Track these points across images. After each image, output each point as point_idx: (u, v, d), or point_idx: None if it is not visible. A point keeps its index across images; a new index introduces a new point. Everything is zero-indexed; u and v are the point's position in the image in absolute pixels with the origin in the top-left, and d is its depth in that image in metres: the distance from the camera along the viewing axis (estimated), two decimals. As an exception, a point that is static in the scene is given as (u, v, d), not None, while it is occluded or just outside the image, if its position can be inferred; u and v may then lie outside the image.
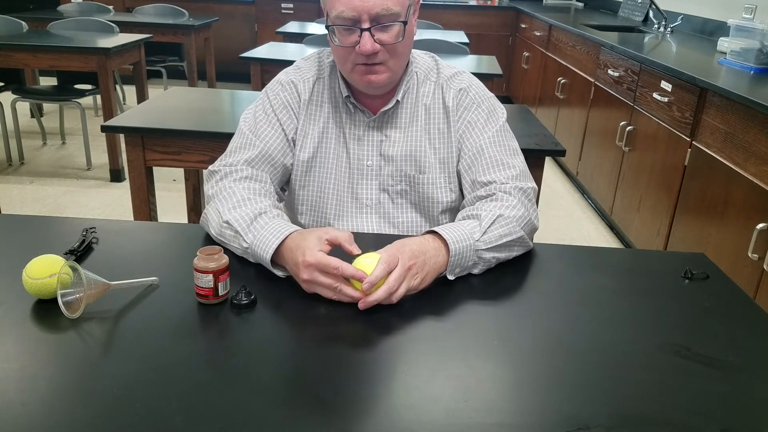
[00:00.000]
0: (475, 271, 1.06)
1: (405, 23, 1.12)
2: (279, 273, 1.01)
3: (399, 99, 1.23)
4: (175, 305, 0.92)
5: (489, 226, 1.06)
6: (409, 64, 1.25)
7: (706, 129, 2.31)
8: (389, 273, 0.93)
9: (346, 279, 0.94)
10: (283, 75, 1.27)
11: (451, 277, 1.03)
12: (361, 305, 0.92)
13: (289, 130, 1.24)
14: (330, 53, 1.26)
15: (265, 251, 1.00)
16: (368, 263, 0.93)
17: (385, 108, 1.23)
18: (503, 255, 1.08)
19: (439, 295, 1.00)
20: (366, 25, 1.09)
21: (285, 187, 1.33)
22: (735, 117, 2.12)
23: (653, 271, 1.11)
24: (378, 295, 0.92)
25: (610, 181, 3.19)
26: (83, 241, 1.09)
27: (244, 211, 1.07)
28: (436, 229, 1.03)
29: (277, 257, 1.01)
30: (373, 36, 1.09)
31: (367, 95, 1.23)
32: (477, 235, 1.04)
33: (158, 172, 2.28)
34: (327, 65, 1.27)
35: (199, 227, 1.17)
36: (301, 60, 1.29)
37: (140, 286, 0.97)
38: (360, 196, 1.27)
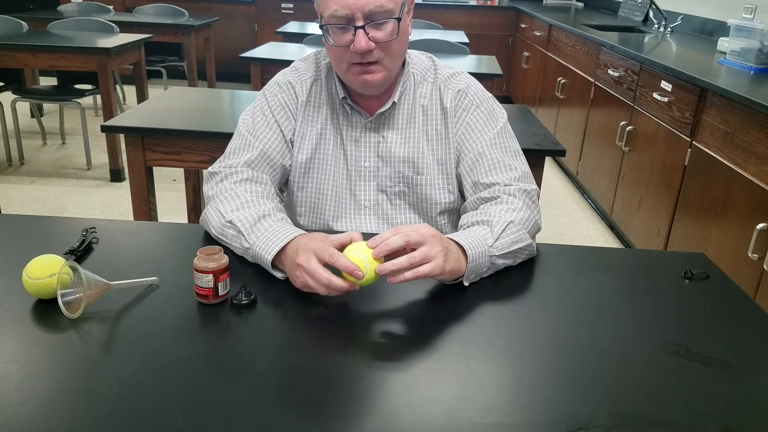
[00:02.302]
0: (484, 275, 1.06)
1: (399, 20, 1.12)
2: (278, 275, 1.01)
3: (395, 101, 1.22)
4: (175, 305, 0.92)
5: (501, 233, 1.05)
6: (406, 64, 1.25)
7: (706, 129, 2.31)
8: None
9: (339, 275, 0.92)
10: (280, 76, 1.27)
11: (466, 283, 1.01)
12: (379, 269, 0.90)
13: (287, 132, 1.24)
14: (327, 55, 1.26)
15: (267, 252, 1.00)
16: (359, 256, 0.92)
17: (382, 110, 1.22)
18: (510, 261, 1.08)
19: (439, 295, 1.00)
20: (360, 23, 1.08)
21: (284, 188, 1.33)
22: (735, 117, 2.12)
23: (653, 271, 1.11)
24: (400, 261, 0.90)
25: (610, 181, 3.19)
26: (83, 241, 1.09)
27: (248, 212, 1.07)
28: (450, 236, 1.02)
29: (277, 260, 1.01)
30: (367, 34, 1.09)
31: (363, 96, 1.23)
32: (490, 241, 1.03)
33: (158, 172, 2.28)
34: (324, 66, 1.27)
35: (199, 227, 1.18)
36: (299, 61, 1.29)
37: (140, 286, 0.97)
38: (358, 197, 1.26)
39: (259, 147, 1.21)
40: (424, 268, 0.92)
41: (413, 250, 0.93)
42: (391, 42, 1.12)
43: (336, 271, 0.92)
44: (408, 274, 0.91)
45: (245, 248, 1.04)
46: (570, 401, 0.76)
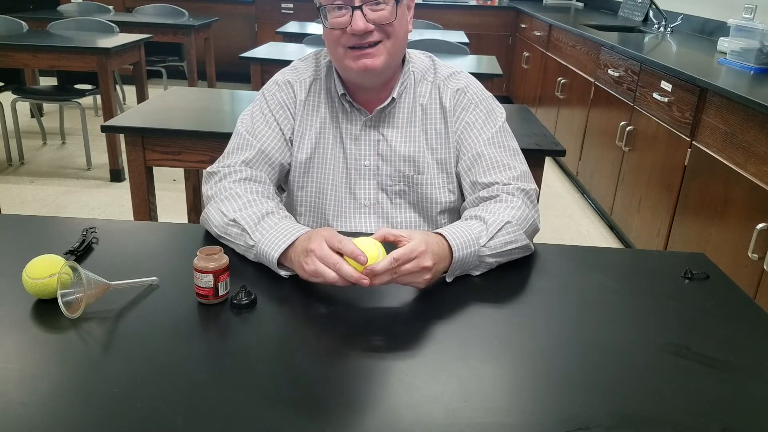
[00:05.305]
0: (476, 273, 1.06)
1: (398, 2, 1.11)
2: (282, 272, 1.01)
3: (395, 97, 1.22)
4: (175, 305, 0.92)
5: (496, 233, 1.05)
6: (406, 63, 1.24)
7: (706, 129, 2.31)
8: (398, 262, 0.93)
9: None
10: (279, 75, 1.27)
11: (449, 279, 1.03)
12: (365, 270, 0.91)
13: (286, 130, 1.24)
14: (327, 53, 1.26)
15: (274, 249, 1.00)
16: (367, 245, 0.93)
17: (381, 106, 1.22)
18: (504, 259, 1.08)
19: (439, 295, 1.00)
20: (357, 3, 1.08)
21: (284, 187, 1.33)
22: (735, 117, 2.12)
23: (653, 271, 1.11)
24: (383, 278, 0.92)
25: (610, 181, 3.19)
26: (83, 241, 1.09)
27: (252, 211, 1.08)
28: (443, 232, 1.02)
29: (282, 257, 1.01)
30: (365, 16, 1.09)
31: (363, 93, 1.22)
32: (483, 240, 1.04)
33: (158, 172, 2.28)
34: (324, 65, 1.26)
35: (199, 227, 1.18)
36: (298, 60, 1.29)
37: (140, 286, 0.97)
38: (358, 196, 1.26)
39: (257, 146, 1.21)
40: (403, 281, 0.96)
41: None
42: (390, 24, 1.11)
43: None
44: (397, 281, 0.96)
45: (249, 246, 1.04)
46: (570, 401, 0.76)
